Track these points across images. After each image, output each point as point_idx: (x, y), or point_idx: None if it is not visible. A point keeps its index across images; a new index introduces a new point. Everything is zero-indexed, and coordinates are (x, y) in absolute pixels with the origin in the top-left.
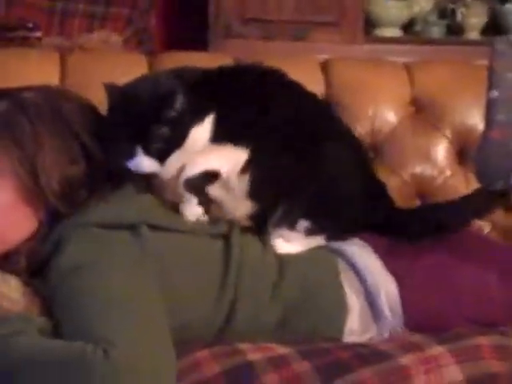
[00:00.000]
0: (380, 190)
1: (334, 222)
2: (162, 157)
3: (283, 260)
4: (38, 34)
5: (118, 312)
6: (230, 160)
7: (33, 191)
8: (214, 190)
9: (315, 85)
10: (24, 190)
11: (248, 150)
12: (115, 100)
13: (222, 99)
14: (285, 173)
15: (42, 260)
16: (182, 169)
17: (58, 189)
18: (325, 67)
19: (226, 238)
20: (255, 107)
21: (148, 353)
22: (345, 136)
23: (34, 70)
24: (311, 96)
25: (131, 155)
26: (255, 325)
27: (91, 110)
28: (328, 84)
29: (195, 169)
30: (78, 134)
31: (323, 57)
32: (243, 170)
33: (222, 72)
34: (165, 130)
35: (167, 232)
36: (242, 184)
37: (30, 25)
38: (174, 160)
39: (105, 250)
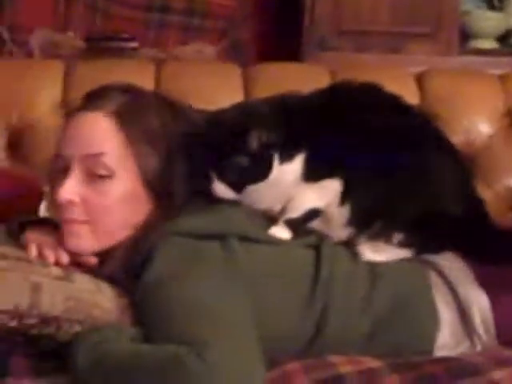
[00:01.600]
0: (478, 207)
1: (429, 237)
2: (237, 187)
3: (374, 271)
4: (134, 44)
5: (209, 319)
6: (328, 194)
7: (149, 188)
8: (313, 224)
9: (409, 97)
10: (142, 185)
11: (343, 178)
12: (200, 124)
13: (314, 132)
14: (384, 194)
15: (134, 269)
16: (283, 208)
17: (174, 189)
18: (419, 79)
19: (317, 248)
20: (348, 132)
21: (240, 357)
22: (445, 150)
23: (129, 80)
24: (409, 109)
25: (208, 181)
26: (345, 337)
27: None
28: (422, 96)
29: (297, 211)
30: (193, 129)
31: (419, 69)
32: (342, 201)
33: (314, 99)
34: (241, 162)
35: (257, 243)
36: (341, 214)
37: (126, 35)
38: (263, 193)
39: (195, 260)
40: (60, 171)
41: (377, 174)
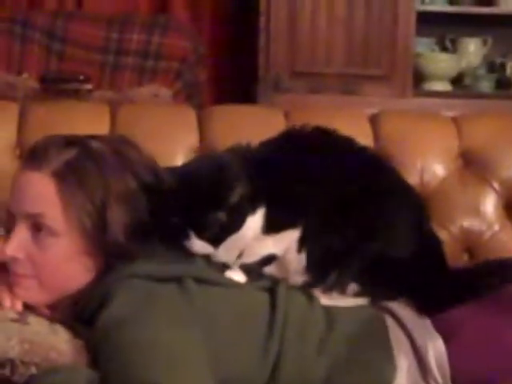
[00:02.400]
0: (433, 249)
1: (383, 285)
2: (216, 241)
3: (331, 314)
4: (89, 86)
5: (166, 362)
6: (285, 242)
7: (97, 243)
8: (269, 269)
9: (363, 138)
10: (88, 241)
11: (301, 226)
12: (171, 182)
13: (273, 184)
14: (340, 242)
15: (90, 311)
16: (238, 253)
17: (123, 240)
18: (373, 120)
19: (272, 291)
20: (304, 180)
21: None
22: (400, 192)
23: (84, 122)
24: (362, 152)
25: (185, 237)
26: (301, 380)
27: (151, 158)
28: (376, 137)
29: (253, 257)
30: (142, 179)
31: (373, 111)
32: (299, 248)
33: (269, 149)
34: (221, 217)
35: (213, 285)
36: (298, 261)
37: (82, 77)
38: (228, 244)
39: (151, 302)
40: (11, 222)
41: (330, 223)
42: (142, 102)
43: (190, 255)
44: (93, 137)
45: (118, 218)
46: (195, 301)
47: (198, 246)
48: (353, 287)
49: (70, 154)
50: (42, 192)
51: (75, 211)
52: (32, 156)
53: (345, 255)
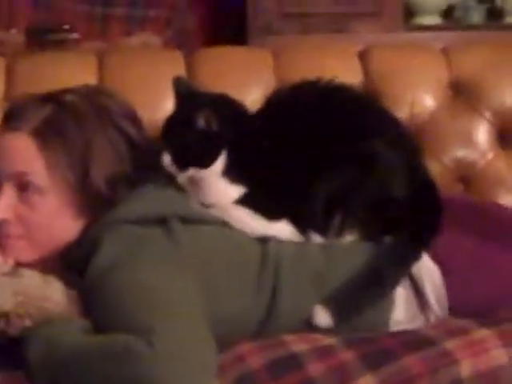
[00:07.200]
0: (428, 193)
1: (380, 224)
2: (180, 163)
3: (328, 249)
4: (75, 35)
5: (155, 305)
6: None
7: (82, 195)
8: None
9: (353, 74)
10: (73, 194)
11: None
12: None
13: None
14: (341, 185)
15: (79, 261)
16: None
17: (106, 191)
18: (362, 55)
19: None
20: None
21: (189, 341)
22: (391, 133)
23: (71, 72)
24: (349, 93)
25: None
26: (298, 317)
27: (129, 106)
28: (365, 71)
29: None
30: (121, 127)
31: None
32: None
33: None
34: (187, 140)
35: (199, 224)
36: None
37: (66, 27)
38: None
39: (138, 247)
40: None
41: (327, 169)
42: (129, 50)
43: (174, 195)
44: (68, 90)
45: (100, 169)
46: (182, 242)
47: (166, 160)
48: (354, 229)
49: (46, 111)
50: (24, 152)
51: (58, 167)
52: (9, 118)
53: (346, 199)
